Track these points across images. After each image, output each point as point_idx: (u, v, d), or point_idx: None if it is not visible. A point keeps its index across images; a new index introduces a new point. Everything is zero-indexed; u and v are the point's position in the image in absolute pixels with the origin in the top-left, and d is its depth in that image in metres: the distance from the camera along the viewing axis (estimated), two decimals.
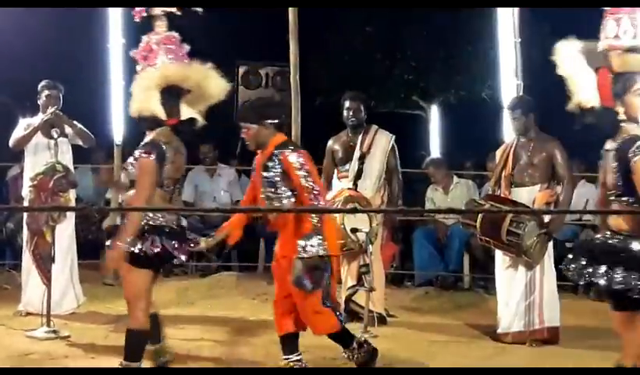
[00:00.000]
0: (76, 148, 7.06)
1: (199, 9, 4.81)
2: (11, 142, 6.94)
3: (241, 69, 11.29)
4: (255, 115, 4.86)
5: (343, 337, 5.00)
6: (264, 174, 4.80)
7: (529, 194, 6.19)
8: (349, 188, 6.71)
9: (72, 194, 6.63)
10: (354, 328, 6.51)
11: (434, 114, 12.24)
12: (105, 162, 8.94)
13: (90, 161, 9.17)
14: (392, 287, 8.18)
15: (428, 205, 8.79)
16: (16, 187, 8.15)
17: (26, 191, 6.65)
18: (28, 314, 6.80)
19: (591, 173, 9.03)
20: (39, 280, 6.46)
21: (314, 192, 4.70)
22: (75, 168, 7.05)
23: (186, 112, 4.61)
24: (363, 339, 5.13)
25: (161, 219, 4.41)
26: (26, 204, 6.68)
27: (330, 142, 7.06)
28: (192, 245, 4.63)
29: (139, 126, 4.64)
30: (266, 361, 5.49)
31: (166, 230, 4.40)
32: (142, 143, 4.52)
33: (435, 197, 8.86)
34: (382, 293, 6.86)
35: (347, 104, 6.91)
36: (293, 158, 4.73)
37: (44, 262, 6.35)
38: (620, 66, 3.91)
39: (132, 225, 4.35)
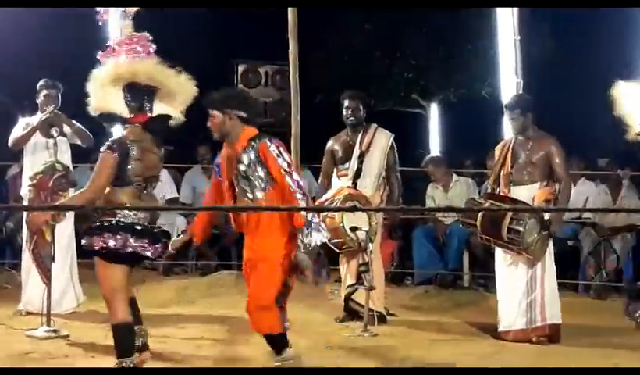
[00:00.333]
0: (74, 148, 7.05)
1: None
2: (10, 142, 6.94)
3: (240, 68, 11.25)
4: (221, 102, 4.79)
5: (278, 343, 4.79)
6: (240, 167, 4.71)
7: (528, 192, 6.19)
8: (348, 187, 6.72)
9: (71, 194, 6.62)
10: (354, 327, 6.54)
11: (434, 112, 12.23)
12: None
13: (89, 160, 9.16)
14: (391, 285, 8.19)
15: (428, 203, 8.80)
16: (15, 187, 8.15)
17: (25, 191, 6.65)
18: (28, 313, 6.80)
19: (590, 171, 9.05)
20: (39, 279, 6.46)
21: (296, 181, 4.62)
22: (74, 167, 7.04)
23: (161, 110, 4.68)
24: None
25: (132, 216, 4.43)
26: (25, 203, 6.68)
27: (330, 142, 7.06)
28: (163, 245, 4.62)
29: (101, 123, 4.74)
30: (266, 360, 5.48)
31: (137, 228, 4.42)
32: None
33: (434, 195, 8.87)
34: (381, 292, 6.85)
35: (346, 103, 6.91)
36: (272, 147, 4.66)
37: (44, 262, 6.34)
38: None
39: (77, 200, 4.51)
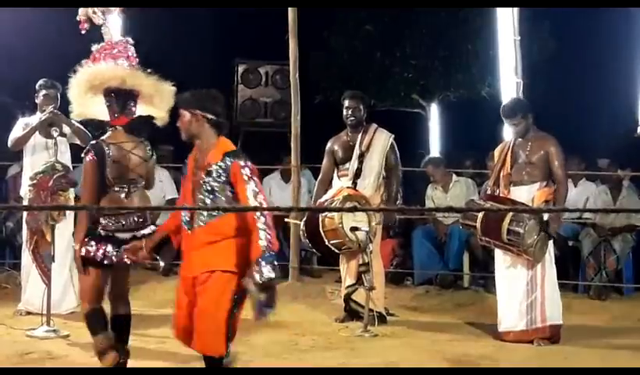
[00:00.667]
0: (74, 148, 7.05)
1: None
2: (9, 142, 6.93)
3: (240, 68, 11.22)
4: (189, 102, 4.51)
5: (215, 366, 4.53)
6: (206, 178, 4.36)
7: (528, 193, 6.19)
8: (348, 187, 6.71)
9: (71, 194, 6.62)
10: (354, 327, 6.54)
11: (434, 112, 12.20)
12: None
13: None
14: (392, 285, 8.18)
15: (428, 204, 8.79)
16: (15, 186, 8.14)
17: (25, 191, 6.65)
18: (28, 313, 6.80)
19: (591, 172, 9.04)
20: (39, 279, 6.46)
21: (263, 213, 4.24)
22: (74, 167, 7.04)
23: (145, 112, 4.79)
24: None
25: (111, 226, 4.61)
26: (25, 203, 6.67)
27: (330, 143, 7.05)
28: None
29: (88, 128, 4.86)
30: (266, 360, 5.48)
31: (119, 238, 4.61)
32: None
33: (434, 195, 8.86)
34: (381, 292, 6.85)
35: (346, 103, 6.91)
36: (245, 169, 4.31)
37: (44, 262, 6.34)
38: None
39: (80, 226, 4.69)
